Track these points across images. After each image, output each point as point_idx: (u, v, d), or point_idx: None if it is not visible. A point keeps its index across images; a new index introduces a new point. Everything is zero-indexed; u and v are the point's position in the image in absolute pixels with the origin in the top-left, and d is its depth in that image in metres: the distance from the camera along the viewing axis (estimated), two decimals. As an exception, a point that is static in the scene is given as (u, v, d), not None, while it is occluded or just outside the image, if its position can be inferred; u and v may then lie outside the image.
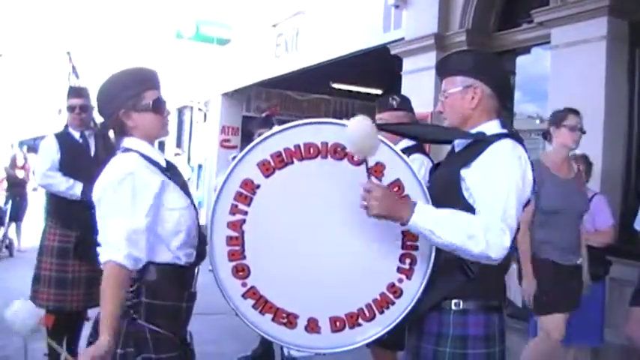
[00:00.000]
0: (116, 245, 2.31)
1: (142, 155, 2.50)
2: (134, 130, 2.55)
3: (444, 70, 2.66)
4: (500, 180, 2.34)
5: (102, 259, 2.33)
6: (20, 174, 13.01)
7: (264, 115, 6.44)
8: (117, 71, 2.63)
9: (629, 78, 6.30)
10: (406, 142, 3.84)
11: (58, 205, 4.99)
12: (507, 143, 2.43)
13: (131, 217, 2.35)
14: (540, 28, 7.03)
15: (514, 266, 4.64)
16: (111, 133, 2.63)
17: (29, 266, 5.39)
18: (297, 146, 2.44)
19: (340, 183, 2.45)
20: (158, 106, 2.57)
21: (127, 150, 2.52)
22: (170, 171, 2.59)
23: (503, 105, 2.65)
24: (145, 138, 2.57)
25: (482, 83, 2.53)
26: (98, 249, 2.36)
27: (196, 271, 2.63)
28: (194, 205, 2.63)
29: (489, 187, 2.34)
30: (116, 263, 2.29)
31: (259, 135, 2.71)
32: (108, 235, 2.35)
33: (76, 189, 4.80)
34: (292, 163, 2.45)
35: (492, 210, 2.28)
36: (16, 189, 12.70)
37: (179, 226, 2.49)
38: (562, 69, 6.54)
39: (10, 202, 12.33)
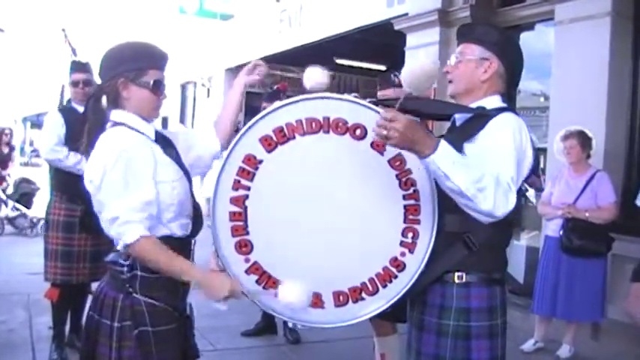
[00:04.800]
0: (138, 221, 2.31)
1: (131, 128, 2.48)
2: (127, 102, 2.52)
3: (466, 34, 2.65)
4: (504, 146, 2.34)
5: (130, 239, 2.31)
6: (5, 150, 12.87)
7: (274, 88, 6.40)
8: (131, 40, 2.63)
9: (634, 54, 6.27)
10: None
11: (63, 180, 5.00)
12: (509, 116, 2.45)
13: (140, 190, 2.35)
14: (544, 3, 7.00)
15: (515, 242, 4.66)
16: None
17: (33, 242, 5.43)
18: (299, 121, 2.45)
19: (342, 157, 2.46)
20: (157, 87, 2.55)
21: (115, 124, 2.50)
22: (160, 143, 2.57)
23: (508, 92, 2.65)
24: (136, 113, 2.54)
25: (499, 61, 2.55)
26: (119, 229, 2.33)
27: (193, 242, 2.62)
28: (188, 177, 2.60)
29: (495, 151, 2.34)
30: (147, 237, 2.32)
31: (264, 109, 2.71)
32: (125, 213, 2.32)
33: (84, 163, 4.80)
34: (294, 138, 2.45)
35: (500, 169, 2.27)
36: None
37: (171, 198, 2.46)
38: (566, 45, 6.52)
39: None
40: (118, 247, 2.40)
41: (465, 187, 2.17)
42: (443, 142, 2.21)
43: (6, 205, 11.74)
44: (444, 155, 2.18)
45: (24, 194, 11.79)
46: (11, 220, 11.61)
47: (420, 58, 2.29)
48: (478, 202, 2.18)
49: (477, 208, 2.21)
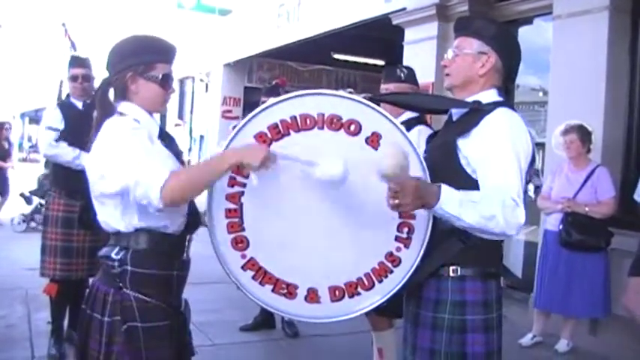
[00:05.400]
0: (159, 174, 2.22)
1: (137, 122, 2.45)
2: (134, 96, 2.51)
3: (464, 28, 2.63)
4: (502, 155, 2.35)
5: (155, 193, 2.21)
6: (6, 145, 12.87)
7: (273, 83, 6.41)
8: (139, 34, 2.62)
9: (631, 48, 6.27)
10: (407, 115, 3.85)
11: (62, 175, 5.00)
12: (504, 112, 2.43)
13: (158, 158, 2.33)
14: (543, -3, 7.01)
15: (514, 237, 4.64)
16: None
17: (31, 237, 5.42)
18: (294, 117, 2.44)
19: (337, 153, 2.45)
20: (166, 81, 2.55)
21: (122, 115, 2.47)
22: (164, 140, 2.56)
23: (505, 86, 2.64)
24: (143, 107, 2.52)
25: (496, 55, 2.53)
26: (142, 193, 2.24)
27: (188, 238, 2.59)
28: None
29: (494, 163, 2.35)
30: (169, 178, 2.21)
31: (263, 104, 2.70)
32: (144, 175, 2.23)
33: (83, 159, 4.81)
34: (289, 134, 2.45)
35: (503, 186, 2.31)
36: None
37: None
38: (564, 40, 6.51)
39: None
40: (151, 210, 2.30)
41: (475, 223, 2.26)
42: (444, 188, 2.25)
43: (30, 202, 11.76)
44: (449, 200, 2.24)
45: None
46: (30, 215, 11.66)
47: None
48: (490, 229, 2.28)
49: (490, 232, 2.30)
